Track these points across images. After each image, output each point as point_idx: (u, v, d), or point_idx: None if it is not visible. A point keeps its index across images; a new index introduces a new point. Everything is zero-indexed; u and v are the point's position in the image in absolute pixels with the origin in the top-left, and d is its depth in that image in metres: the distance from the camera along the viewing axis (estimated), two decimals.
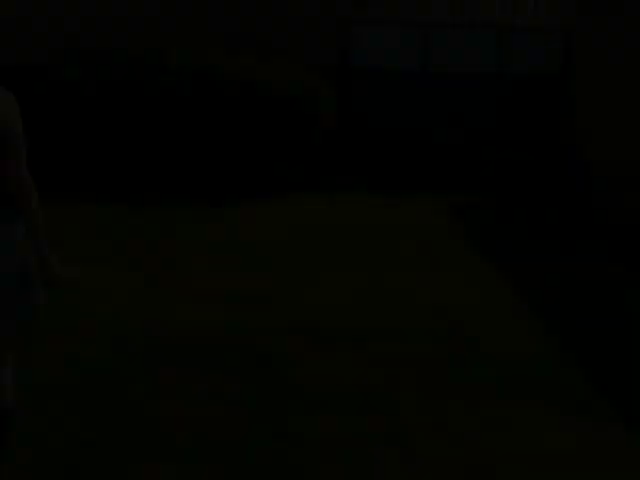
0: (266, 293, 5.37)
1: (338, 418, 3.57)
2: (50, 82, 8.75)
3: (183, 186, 8.94)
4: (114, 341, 4.39)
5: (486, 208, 8.76)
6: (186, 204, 8.31)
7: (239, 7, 10.35)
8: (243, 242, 6.82)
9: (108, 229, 7.11)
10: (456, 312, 5.11)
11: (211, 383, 3.89)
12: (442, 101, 10.74)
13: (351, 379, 4.00)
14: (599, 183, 8.79)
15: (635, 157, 7.91)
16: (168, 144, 8.81)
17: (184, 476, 3.02)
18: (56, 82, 8.72)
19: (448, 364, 4.24)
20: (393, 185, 9.83)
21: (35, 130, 6.93)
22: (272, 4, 10.59)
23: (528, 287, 5.75)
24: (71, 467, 3.06)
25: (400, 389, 3.90)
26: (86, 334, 4.47)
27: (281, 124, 9.03)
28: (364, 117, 10.58)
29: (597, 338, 4.75)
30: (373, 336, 4.62)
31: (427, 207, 8.65)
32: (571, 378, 4.11)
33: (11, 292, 2.54)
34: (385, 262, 6.31)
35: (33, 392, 3.68)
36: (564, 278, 6.02)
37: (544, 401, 3.81)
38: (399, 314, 5.03)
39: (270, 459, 3.19)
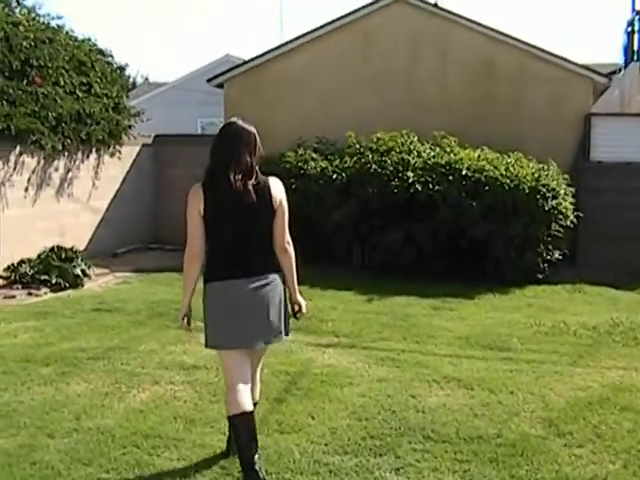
0: (510, 384, 5.40)
1: None
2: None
3: (437, 272, 9.30)
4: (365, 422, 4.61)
5: None
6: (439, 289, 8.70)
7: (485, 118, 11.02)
8: (489, 332, 6.92)
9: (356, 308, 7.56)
10: None
11: (463, 469, 3.97)
12: None
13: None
14: None
15: None
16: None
17: None
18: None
19: None
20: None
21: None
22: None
23: None
24: None
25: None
26: (339, 414, 4.72)
27: (522, 217, 9.12)
28: (604, 210, 10.34)
29: None
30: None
31: None
32: None
33: (278, 322, 3.77)
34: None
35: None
36: None
37: None
38: None
39: None
